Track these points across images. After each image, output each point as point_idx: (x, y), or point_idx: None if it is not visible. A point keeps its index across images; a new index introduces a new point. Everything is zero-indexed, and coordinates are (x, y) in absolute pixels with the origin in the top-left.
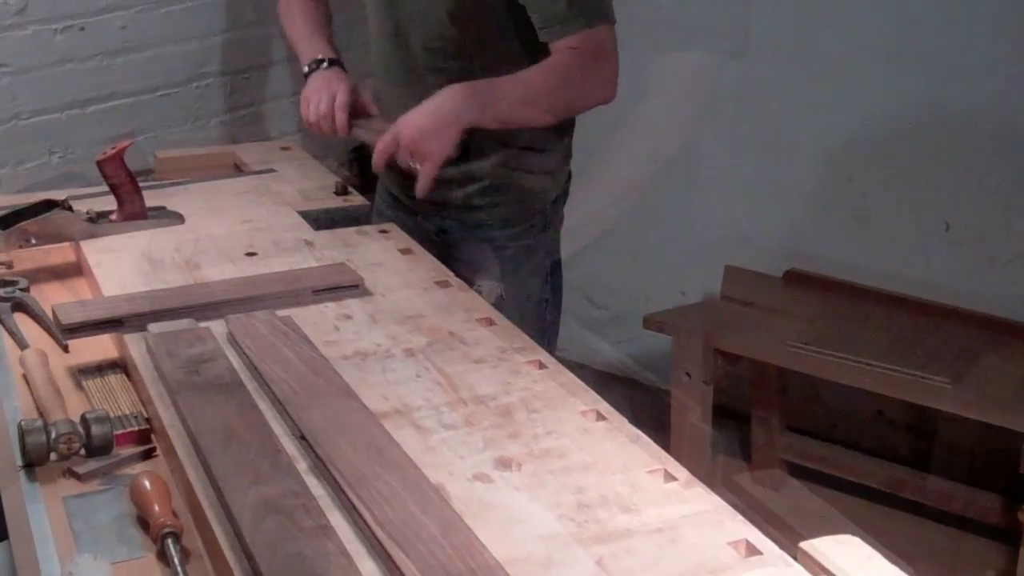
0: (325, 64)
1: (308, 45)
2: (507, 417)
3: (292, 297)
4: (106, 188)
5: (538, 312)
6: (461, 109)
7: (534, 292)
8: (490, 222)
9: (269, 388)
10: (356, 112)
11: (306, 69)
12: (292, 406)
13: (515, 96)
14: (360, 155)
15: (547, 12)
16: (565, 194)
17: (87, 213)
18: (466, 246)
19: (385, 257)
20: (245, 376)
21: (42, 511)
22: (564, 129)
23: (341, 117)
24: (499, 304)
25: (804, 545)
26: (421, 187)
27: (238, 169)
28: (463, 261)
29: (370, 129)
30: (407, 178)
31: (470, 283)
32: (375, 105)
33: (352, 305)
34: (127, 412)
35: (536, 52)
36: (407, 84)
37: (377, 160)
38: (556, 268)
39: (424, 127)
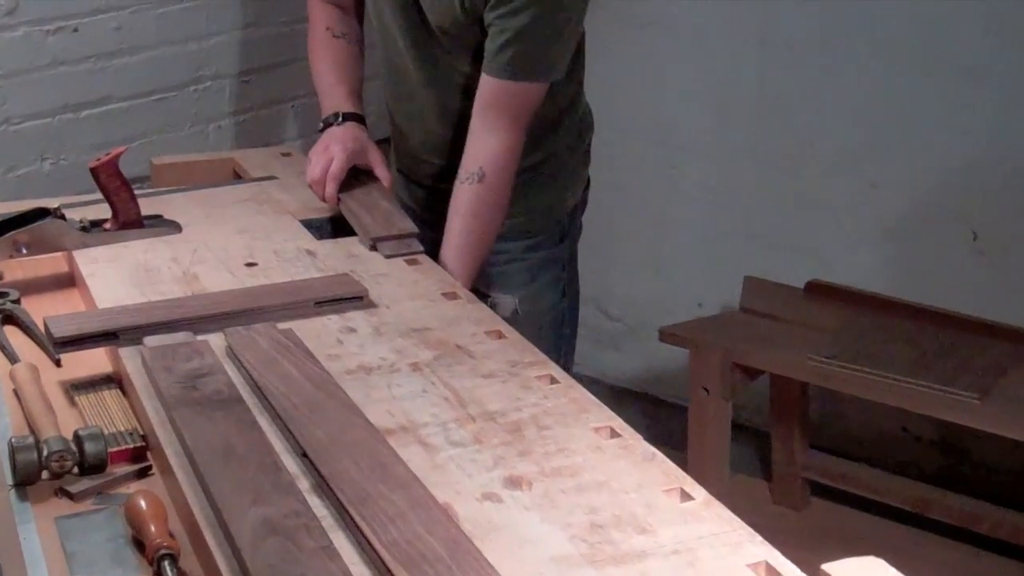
0: (340, 119)
1: (328, 95)
2: (517, 434)
3: (293, 309)
4: (100, 196)
5: (554, 326)
6: None
7: (550, 306)
8: (504, 234)
9: (270, 404)
10: (360, 175)
11: (321, 125)
12: (294, 423)
13: (482, 256)
14: None
15: (492, 44)
16: (583, 203)
17: (80, 222)
18: None
19: (390, 268)
20: (245, 391)
21: (33, 532)
22: (582, 133)
23: (330, 188)
24: (514, 318)
25: (827, 567)
26: None
27: (237, 176)
28: (478, 273)
29: (359, 207)
30: (420, 187)
31: (484, 297)
32: (384, 167)
33: (356, 318)
34: (122, 429)
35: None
36: (418, 98)
37: None
38: (573, 280)
39: None
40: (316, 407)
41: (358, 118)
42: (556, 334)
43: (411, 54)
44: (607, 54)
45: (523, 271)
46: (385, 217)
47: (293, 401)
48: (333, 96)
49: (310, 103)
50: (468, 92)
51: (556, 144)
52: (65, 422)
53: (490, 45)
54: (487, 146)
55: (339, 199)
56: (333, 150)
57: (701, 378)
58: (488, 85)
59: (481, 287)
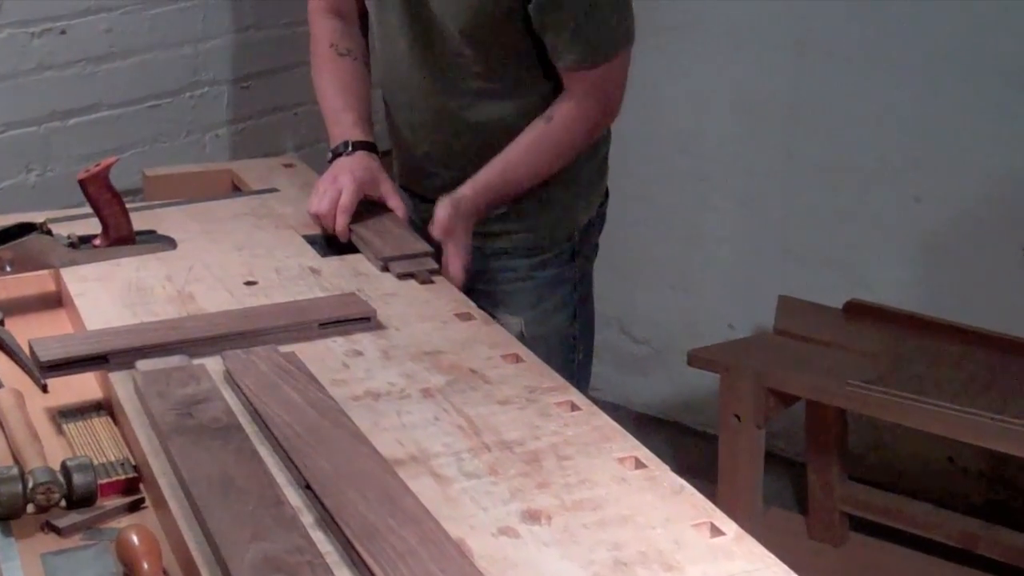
0: (349, 149)
1: (336, 123)
2: (536, 464)
3: (296, 331)
4: (89, 210)
5: (565, 351)
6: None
7: (559, 328)
8: (509, 250)
9: (271, 432)
10: (370, 206)
11: (329, 155)
12: (296, 452)
13: (511, 191)
14: None
15: (555, 41)
16: (600, 219)
17: (68, 238)
18: (484, 276)
19: (399, 287)
20: (244, 419)
21: (18, 569)
22: (596, 143)
23: (341, 221)
24: (521, 340)
25: None
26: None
27: (236, 189)
28: (482, 292)
29: (370, 234)
30: (424, 201)
31: (489, 317)
32: (397, 197)
33: (363, 340)
34: (112, 459)
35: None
36: (420, 108)
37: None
38: (586, 302)
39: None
40: (320, 436)
41: (369, 146)
42: (567, 360)
43: (417, 60)
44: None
45: (530, 291)
46: (397, 239)
47: (296, 429)
48: (341, 123)
49: (313, 110)
50: (483, 97)
51: None
52: (52, 452)
53: (554, 41)
54: (563, 102)
55: (351, 231)
56: (342, 181)
57: (732, 405)
58: (570, 80)
59: (487, 307)
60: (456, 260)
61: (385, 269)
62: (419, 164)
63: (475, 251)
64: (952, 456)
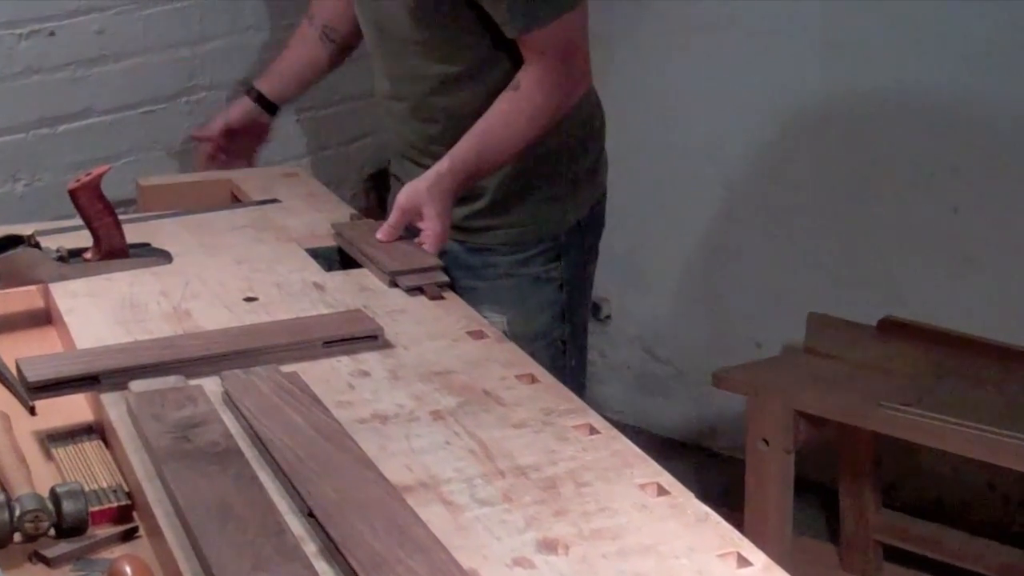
0: (247, 89)
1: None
2: (552, 491)
3: (299, 350)
4: (80, 221)
5: (553, 354)
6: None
7: (546, 329)
8: (493, 246)
9: (272, 457)
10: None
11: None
12: (299, 478)
13: (488, 162)
14: (377, 183)
15: (494, 11)
16: (594, 220)
17: (57, 251)
18: (469, 272)
19: (408, 303)
20: (244, 443)
21: None
22: (585, 141)
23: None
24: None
25: None
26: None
27: (235, 199)
28: (466, 288)
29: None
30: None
31: (503, 335)
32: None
33: (370, 359)
34: (104, 485)
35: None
36: (397, 97)
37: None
38: (578, 308)
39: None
40: (324, 461)
41: (260, 97)
42: (556, 364)
43: (384, 49)
44: (655, 60)
45: (513, 288)
46: (405, 253)
47: (298, 454)
48: (267, 74)
49: (317, 116)
50: (449, 83)
51: (547, 148)
52: (40, 478)
53: (493, 10)
54: (526, 69)
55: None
56: (219, 116)
57: (760, 428)
58: (525, 47)
59: (471, 303)
60: (429, 237)
61: (393, 284)
62: (405, 153)
63: (459, 247)
64: (992, 483)
